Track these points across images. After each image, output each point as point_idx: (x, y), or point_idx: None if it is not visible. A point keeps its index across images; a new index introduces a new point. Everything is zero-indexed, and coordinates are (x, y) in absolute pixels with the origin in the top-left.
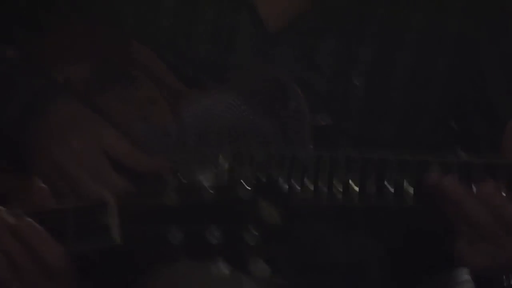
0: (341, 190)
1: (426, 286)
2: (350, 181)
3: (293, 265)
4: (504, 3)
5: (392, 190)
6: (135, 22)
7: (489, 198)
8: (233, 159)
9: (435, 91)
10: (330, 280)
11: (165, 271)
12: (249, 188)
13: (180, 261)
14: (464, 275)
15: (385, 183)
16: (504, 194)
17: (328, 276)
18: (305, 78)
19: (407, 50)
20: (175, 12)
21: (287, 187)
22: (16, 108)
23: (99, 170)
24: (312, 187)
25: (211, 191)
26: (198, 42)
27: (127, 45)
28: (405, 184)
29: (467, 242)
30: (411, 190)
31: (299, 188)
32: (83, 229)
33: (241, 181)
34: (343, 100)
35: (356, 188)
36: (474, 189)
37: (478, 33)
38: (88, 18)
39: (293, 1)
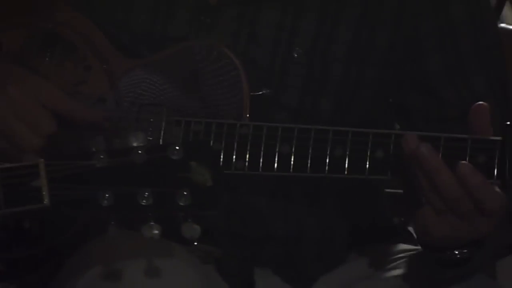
0: (276, 160)
1: (367, 257)
2: (287, 152)
3: (228, 235)
4: None
5: (327, 161)
6: None
7: (466, 178)
8: (167, 125)
9: (373, 66)
10: (265, 252)
11: (97, 237)
12: (179, 148)
13: (110, 223)
14: (400, 246)
15: (327, 153)
16: (481, 176)
17: (263, 248)
18: (245, 50)
19: (347, 24)
20: None
21: (223, 154)
22: None
23: (36, 118)
24: (247, 157)
25: (140, 152)
26: (138, 12)
27: (63, 13)
28: (347, 155)
29: (432, 211)
30: (347, 161)
31: (235, 157)
32: (11, 190)
33: (172, 142)
34: (283, 72)
35: (292, 160)
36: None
37: (417, 8)
38: None
39: None
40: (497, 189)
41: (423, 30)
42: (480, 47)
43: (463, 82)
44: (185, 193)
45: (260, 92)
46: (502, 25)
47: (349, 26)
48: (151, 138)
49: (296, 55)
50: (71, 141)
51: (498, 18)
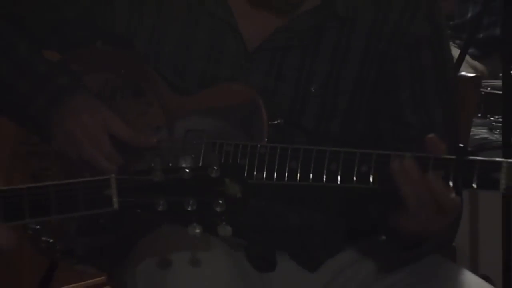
0: (286, 173)
1: (359, 245)
2: (295, 167)
3: (255, 229)
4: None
5: (325, 173)
6: (146, 47)
7: (433, 185)
8: (205, 146)
9: (369, 96)
10: (284, 241)
11: (151, 233)
12: (216, 169)
13: (163, 224)
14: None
15: (324, 167)
16: (442, 183)
17: (282, 238)
18: (274, 86)
19: (353, 64)
20: (177, 38)
21: (247, 168)
22: (43, 98)
23: (100, 141)
24: (265, 170)
25: (187, 170)
26: (196, 60)
27: (136, 64)
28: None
29: (409, 213)
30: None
31: (255, 170)
32: (89, 197)
33: (212, 163)
34: (302, 103)
35: (298, 172)
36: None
37: (398, 51)
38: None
39: (269, 21)
40: (453, 194)
41: (400, 69)
42: (440, 87)
43: (425, 112)
44: (220, 202)
45: (276, 122)
46: (462, 73)
47: (354, 65)
48: (193, 156)
49: (313, 90)
50: (134, 160)
51: (458, 67)
